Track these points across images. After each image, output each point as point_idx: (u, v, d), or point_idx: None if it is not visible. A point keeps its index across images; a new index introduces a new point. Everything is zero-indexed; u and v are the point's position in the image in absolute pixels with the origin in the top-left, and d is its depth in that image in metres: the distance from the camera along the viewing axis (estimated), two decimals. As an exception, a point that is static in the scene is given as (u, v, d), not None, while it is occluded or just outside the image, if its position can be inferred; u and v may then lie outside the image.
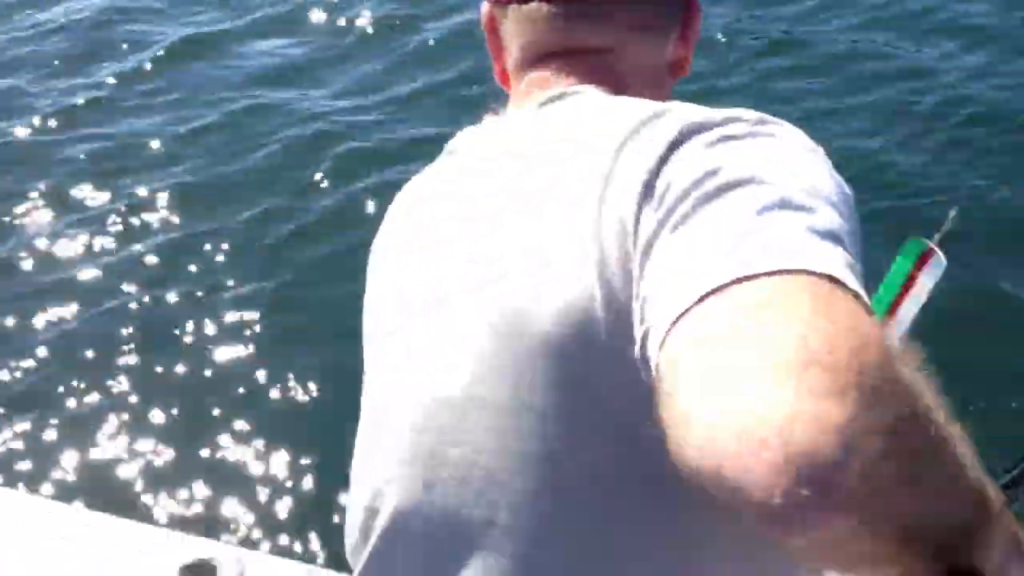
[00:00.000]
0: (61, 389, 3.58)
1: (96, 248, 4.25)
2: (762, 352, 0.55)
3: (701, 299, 0.60)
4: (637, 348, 0.68)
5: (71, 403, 3.54)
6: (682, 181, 0.70)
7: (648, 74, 0.97)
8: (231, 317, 3.82)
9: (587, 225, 0.75)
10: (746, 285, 0.59)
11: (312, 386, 3.51)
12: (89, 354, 3.71)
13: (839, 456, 0.51)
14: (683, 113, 0.77)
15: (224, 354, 3.68)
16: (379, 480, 0.89)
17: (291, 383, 3.53)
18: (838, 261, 0.61)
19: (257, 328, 3.77)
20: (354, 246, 4.02)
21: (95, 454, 3.35)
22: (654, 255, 0.69)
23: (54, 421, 3.46)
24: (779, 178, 0.68)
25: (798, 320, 0.56)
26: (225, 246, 4.18)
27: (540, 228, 0.79)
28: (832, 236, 0.64)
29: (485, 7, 1.03)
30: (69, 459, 3.33)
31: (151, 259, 4.16)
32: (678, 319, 0.61)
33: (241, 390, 3.54)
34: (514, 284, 0.79)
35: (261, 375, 3.57)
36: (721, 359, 0.57)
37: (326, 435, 3.15)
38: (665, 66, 1.00)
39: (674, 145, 0.73)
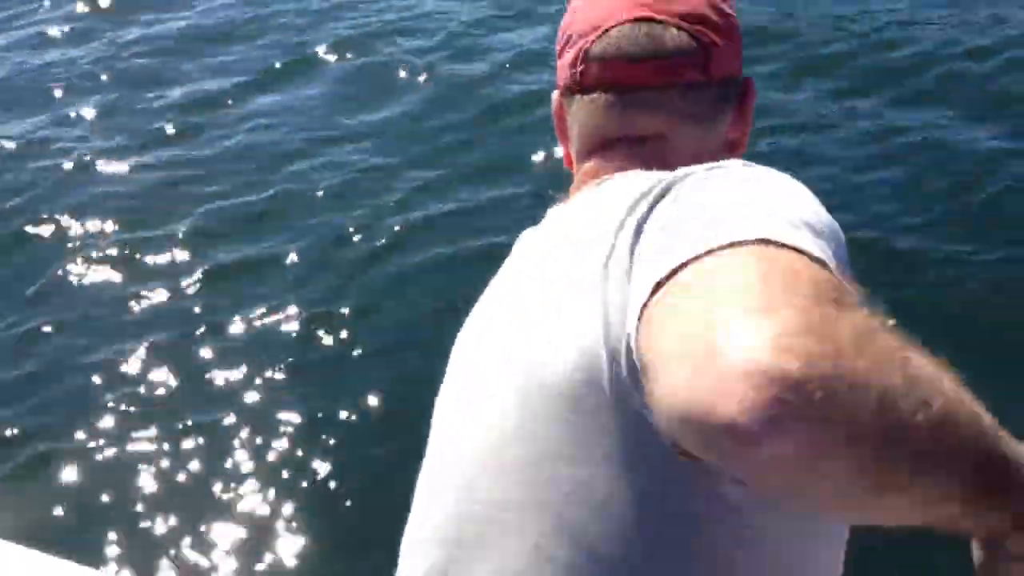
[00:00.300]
0: (119, 401, 3.58)
1: (161, 268, 4.31)
2: (709, 301, 0.62)
3: (659, 285, 0.67)
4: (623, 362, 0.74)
5: (130, 414, 3.53)
6: (660, 221, 0.77)
7: (700, 156, 0.98)
8: (294, 341, 3.82)
9: (598, 282, 0.81)
10: (694, 265, 0.66)
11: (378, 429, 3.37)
12: (144, 373, 3.72)
13: (771, 359, 0.56)
14: (681, 169, 0.84)
15: (286, 386, 3.61)
16: (414, 543, 0.95)
17: (353, 425, 3.40)
18: (789, 231, 0.68)
19: (319, 355, 3.74)
20: (410, 273, 4.11)
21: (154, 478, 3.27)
22: (632, 286, 0.75)
23: (117, 430, 3.45)
24: (742, 198, 0.75)
25: (737, 272, 0.64)
26: (291, 272, 4.22)
27: (572, 293, 0.85)
28: (790, 223, 0.70)
29: (555, 95, 1.10)
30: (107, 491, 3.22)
31: (219, 278, 4.22)
32: (643, 308, 0.67)
33: (298, 424, 3.44)
34: (538, 344, 0.85)
35: (319, 410, 3.48)
36: (678, 322, 0.63)
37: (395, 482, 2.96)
38: (720, 147, 1.05)
39: (661, 195, 0.81)
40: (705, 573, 0.80)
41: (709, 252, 0.66)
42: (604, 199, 0.93)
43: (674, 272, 0.67)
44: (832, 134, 4.72)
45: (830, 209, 0.80)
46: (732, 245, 0.66)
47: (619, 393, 0.77)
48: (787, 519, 0.81)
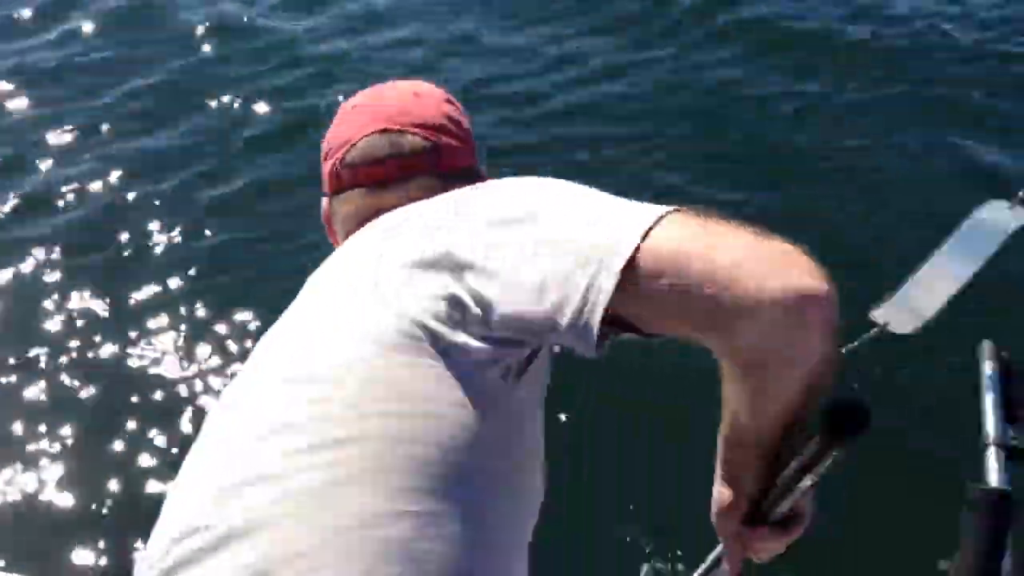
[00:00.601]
0: None
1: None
2: (722, 234, 0.85)
3: (647, 232, 0.85)
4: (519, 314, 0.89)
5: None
6: (483, 218, 0.97)
7: None
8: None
9: (380, 283, 0.98)
10: (663, 223, 0.86)
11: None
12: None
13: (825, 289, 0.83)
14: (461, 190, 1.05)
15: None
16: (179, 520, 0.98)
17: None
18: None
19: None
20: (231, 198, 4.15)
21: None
22: (498, 259, 0.92)
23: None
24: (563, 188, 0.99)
25: (731, 225, 0.86)
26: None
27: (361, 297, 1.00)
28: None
29: (324, 201, 1.32)
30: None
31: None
32: (636, 251, 0.85)
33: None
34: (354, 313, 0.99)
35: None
36: (719, 248, 0.84)
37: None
38: None
39: (455, 207, 1.00)
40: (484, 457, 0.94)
41: (657, 220, 0.87)
42: (378, 225, 1.12)
43: (650, 228, 0.86)
44: (624, 84, 4.92)
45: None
46: (672, 213, 0.88)
47: (429, 335, 0.93)
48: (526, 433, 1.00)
